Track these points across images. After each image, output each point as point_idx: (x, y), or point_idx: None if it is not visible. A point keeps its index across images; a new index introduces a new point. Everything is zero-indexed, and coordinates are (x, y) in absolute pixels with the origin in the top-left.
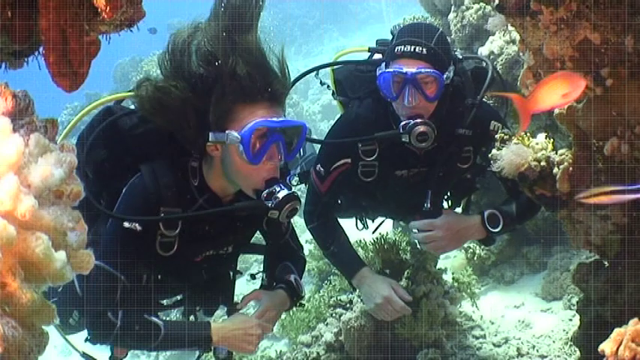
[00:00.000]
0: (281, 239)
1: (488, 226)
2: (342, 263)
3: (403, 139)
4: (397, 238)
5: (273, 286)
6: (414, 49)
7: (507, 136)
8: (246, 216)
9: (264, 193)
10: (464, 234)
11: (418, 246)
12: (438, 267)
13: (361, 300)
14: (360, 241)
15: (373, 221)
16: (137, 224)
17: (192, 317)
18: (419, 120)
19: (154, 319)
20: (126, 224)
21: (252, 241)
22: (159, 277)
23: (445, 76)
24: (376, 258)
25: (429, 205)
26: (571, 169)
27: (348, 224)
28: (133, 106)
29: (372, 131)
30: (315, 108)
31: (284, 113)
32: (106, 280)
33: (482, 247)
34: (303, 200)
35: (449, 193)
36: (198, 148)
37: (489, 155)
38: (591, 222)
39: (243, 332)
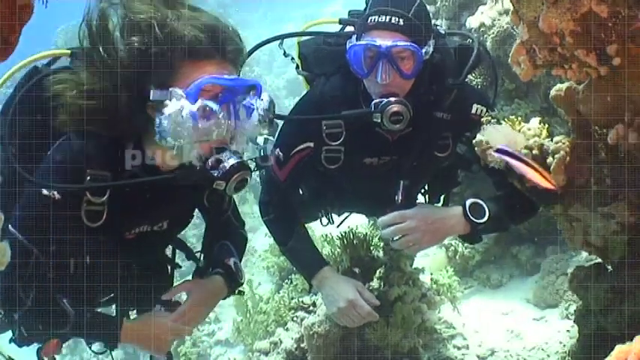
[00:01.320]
0: (223, 215)
1: (471, 216)
2: (300, 261)
3: (375, 119)
4: (368, 233)
5: (209, 271)
6: (389, 19)
7: (494, 120)
8: (186, 188)
9: (210, 162)
10: (442, 227)
11: (391, 244)
12: (414, 266)
13: None
14: (326, 236)
15: (339, 216)
16: (56, 192)
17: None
18: (393, 99)
19: (66, 305)
20: (44, 191)
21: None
22: (87, 261)
23: (424, 50)
24: (344, 255)
25: (400, 198)
26: (568, 158)
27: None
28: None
29: (338, 112)
30: (279, 83)
31: (238, 75)
32: (20, 254)
33: (466, 244)
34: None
35: (426, 187)
36: (137, 111)
37: (473, 142)
38: (591, 220)
39: (153, 335)
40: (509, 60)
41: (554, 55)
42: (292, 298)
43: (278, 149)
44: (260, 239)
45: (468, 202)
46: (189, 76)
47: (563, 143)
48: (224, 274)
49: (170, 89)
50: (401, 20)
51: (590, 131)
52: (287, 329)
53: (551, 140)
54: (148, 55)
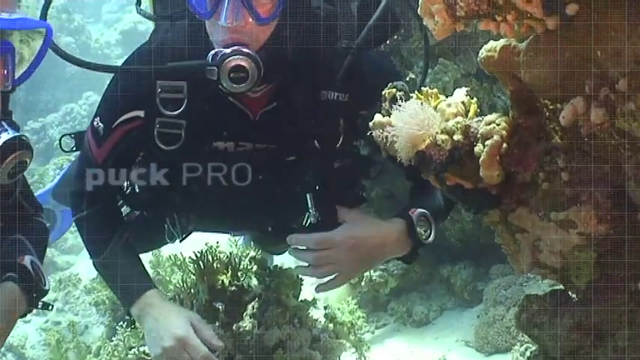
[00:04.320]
0: (9, 199)
1: (418, 235)
2: (117, 281)
3: (209, 76)
4: (235, 252)
5: None
6: None
7: (401, 92)
8: None
9: None
10: (380, 252)
11: (306, 273)
12: (301, 298)
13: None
14: (175, 257)
15: (193, 231)
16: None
17: None
18: (236, 47)
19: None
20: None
21: None
22: None
23: None
24: (200, 284)
25: (315, 213)
26: (505, 146)
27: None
28: None
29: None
30: (110, 36)
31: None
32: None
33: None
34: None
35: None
36: None
37: (371, 123)
38: (543, 230)
39: None
40: (419, 10)
41: (482, 1)
42: (131, 348)
43: (97, 119)
44: (85, 263)
45: (415, 216)
46: None
47: (498, 125)
48: (17, 278)
49: None
50: None
51: (538, 107)
52: None
53: (481, 120)
54: None
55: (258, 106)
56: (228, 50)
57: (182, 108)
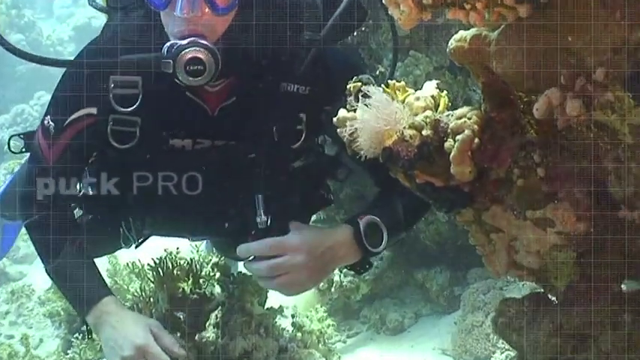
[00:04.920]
0: None
1: (366, 242)
2: (72, 288)
3: (164, 69)
4: (197, 258)
5: None
6: None
7: (366, 86)
8: None
9: None
10: (331, 259)
11: (261, 283)
12: (267, 306)
13: None
14: (133, 264)
15: (150, 235)
16: None
17: None
18: (193, 39)
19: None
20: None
21: None
22: None
23: None
24: (159, 292)
25: (264, 219)
26: (477, 140)
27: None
28: None
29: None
30: (63, 32)
31: None
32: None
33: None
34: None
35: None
36: None
37: (335, 119)
38: (519, 229)
39: None
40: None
41: None
42: None
43: (48, 117)
44: (39, 273)
45: (362, 223)
46: None
47: (469, 119)
48: None
49: None
50: None
51: (512, 100)
52: None
53: (452, 115)
54: None
55: (217, 101)
56: (184, 42)
57: (136, 104)
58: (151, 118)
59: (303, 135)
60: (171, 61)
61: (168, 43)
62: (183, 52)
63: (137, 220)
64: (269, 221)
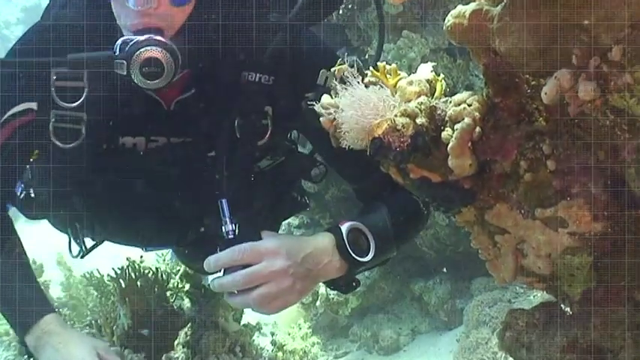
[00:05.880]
0: None
1: (350, 250)
2: (9, 304)
3: (117, 70)
4: (165, 268)
5: None
6: None
7: (352, 70)
8: None
9: None
10: (313, 265)
11: (229, 301)
12: (244, 322)
13: None
14: (90, 274)
15: (102, 241)
16: None
17: None
18: (149, 37)
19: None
20: None
21: None
22: None
23: None
24: (122, 307)
25: (231, 227)
26: (478, 129)
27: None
28: None
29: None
30: (10, 14)
31: None
32: None
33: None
34: None
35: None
36: None
37: (317, 106)
38: (527, 231)
39: None
40: None
41: None
42: None
43: None
44: None
45: (345, 228)
46: None
47: (470, 105)
48: None
49: None
50: None
51: (517, 83)
52: None
53: (449, 101)
54: None
55: (173, 94)
56: (139, 39)
57: (82, 99)
58: (98, 113)
59: (269, 130)
60: (124, 61)
61: (120, 40)
62: (138, 51)
63: (84, 228)
64: (236, 229)
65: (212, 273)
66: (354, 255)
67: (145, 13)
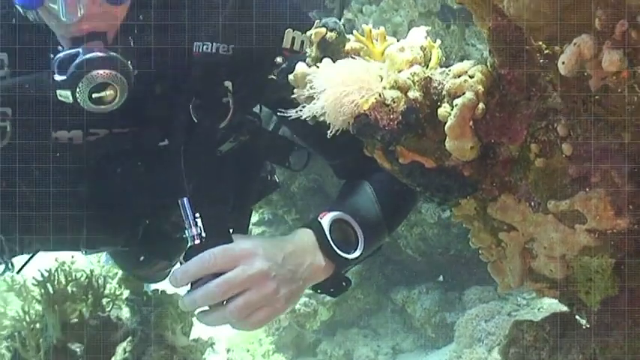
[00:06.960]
0: None
1: (334, 245)
2: None
3: (61, 98)
4: (100, 271)
5: None
6: None
7: (333, 34)
8: None
9: None
10: (296, 267)
11: (204, 321)
12: (194, 336)
13: None
14: (11, 279)
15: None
16: None
17: None
18: (95, 54)
19: None
20: None
21: None
22: None
23: None
24: (48, 315)
25: (194, 230)
26: (482, 106)
27: None
28: None
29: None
30: None
31: None
32: None
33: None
34: None
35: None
36: None
37: (290, 76)
38: (538, 227)
39: None
40: None
41: None
42: None
43: None
44: None
45: (326, 222)
46: None
47: (472, 77)
48: None
49: None
50: None
51: (529, 52)
52: None
53: (448, 72)
54: None
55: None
56: (83, 56)
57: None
58: (28, 109)
59: (231, 109)
60: (69, 89)
61: (60, 55)
62: (88, 75)
63: (14, 237)
64: (202, 232)
65: (157, 281)
66: (339, 252)
67: (81, 20)
